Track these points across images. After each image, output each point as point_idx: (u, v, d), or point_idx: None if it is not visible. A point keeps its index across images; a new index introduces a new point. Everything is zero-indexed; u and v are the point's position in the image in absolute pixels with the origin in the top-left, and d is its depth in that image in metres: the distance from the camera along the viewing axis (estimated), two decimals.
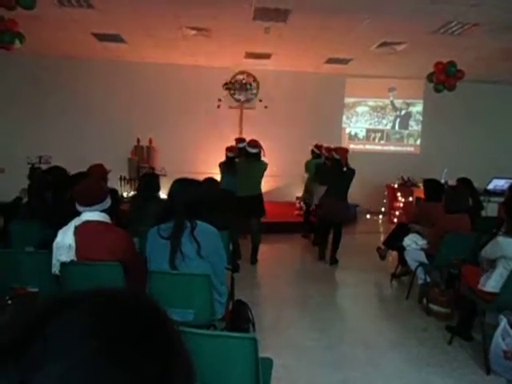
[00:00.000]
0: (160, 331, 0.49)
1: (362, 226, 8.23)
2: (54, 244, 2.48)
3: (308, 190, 6.81)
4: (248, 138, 5.65)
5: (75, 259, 2.42)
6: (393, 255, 5.32)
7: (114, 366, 0.42)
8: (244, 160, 5.40)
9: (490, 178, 6.94)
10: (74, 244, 2.40)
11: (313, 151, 7.08)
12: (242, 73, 9.25)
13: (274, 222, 6.51)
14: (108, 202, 2.54)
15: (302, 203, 7.69)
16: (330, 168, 5.65)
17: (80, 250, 2.41)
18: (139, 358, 0.44)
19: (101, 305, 0.47)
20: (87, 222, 2.43)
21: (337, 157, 5.47)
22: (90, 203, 2.44)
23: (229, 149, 5.99)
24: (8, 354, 0.42)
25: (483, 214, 5.30)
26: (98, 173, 3.78)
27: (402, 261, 4.78)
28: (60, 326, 0.43)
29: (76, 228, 2.42)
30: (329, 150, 6.46)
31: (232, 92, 9.21)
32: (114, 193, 3.86)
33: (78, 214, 2.48)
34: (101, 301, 0.48)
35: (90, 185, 2.60)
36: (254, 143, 5.34)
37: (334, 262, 5.52)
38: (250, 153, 5.28)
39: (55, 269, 2.46)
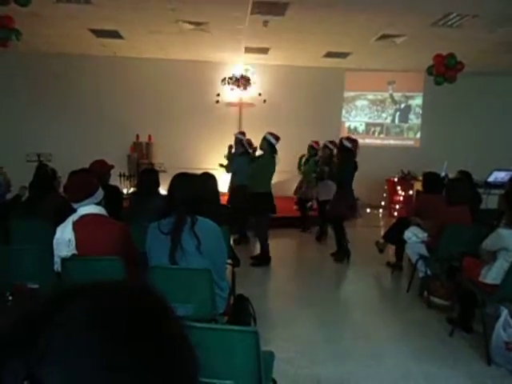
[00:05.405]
0: (166, 323, 0.48)
1: (362, 220, 8.21)
2: (54, 241, 2.48)
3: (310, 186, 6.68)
4: (247, 133, 5.66)
5: (76, 253, 2.42)
6: (392, 249, 5.32)
7: (119, 358, 0.42)
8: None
9: (490, 170, 6.92)
10: (73, 238, 2.40)
11: (312, 147, 6.91)
12: (240, 67, 9.21)
13: (274, 216, 6.49)
14: (100, 194, 2.55)
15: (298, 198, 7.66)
16: (343, 161, 5.17)
17: (80, 243, 2.41)
18: (145, 348, 0.44)
19: (105, 297, 0.47)
20: (84, 216, 2.44)
21: (349, 145, 5.11)
22: (81, 198, 2.46)
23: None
24: (14, 349, 0.42)
25: (482, 206, 5.30)
26: (100, 169, 3.75)
27: (398, 255, 4.83)
28: (64, 319, 0.43)
29: (74, 223, 2.43)
30: (333, 142, 6.15)
31: (231, 87, 9.17)
32: (116, 190, 3.87)
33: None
34: (105, 293, 0.48)
35: (78, 181, 2.66)
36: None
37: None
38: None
39: (57, 266, 2.46)
